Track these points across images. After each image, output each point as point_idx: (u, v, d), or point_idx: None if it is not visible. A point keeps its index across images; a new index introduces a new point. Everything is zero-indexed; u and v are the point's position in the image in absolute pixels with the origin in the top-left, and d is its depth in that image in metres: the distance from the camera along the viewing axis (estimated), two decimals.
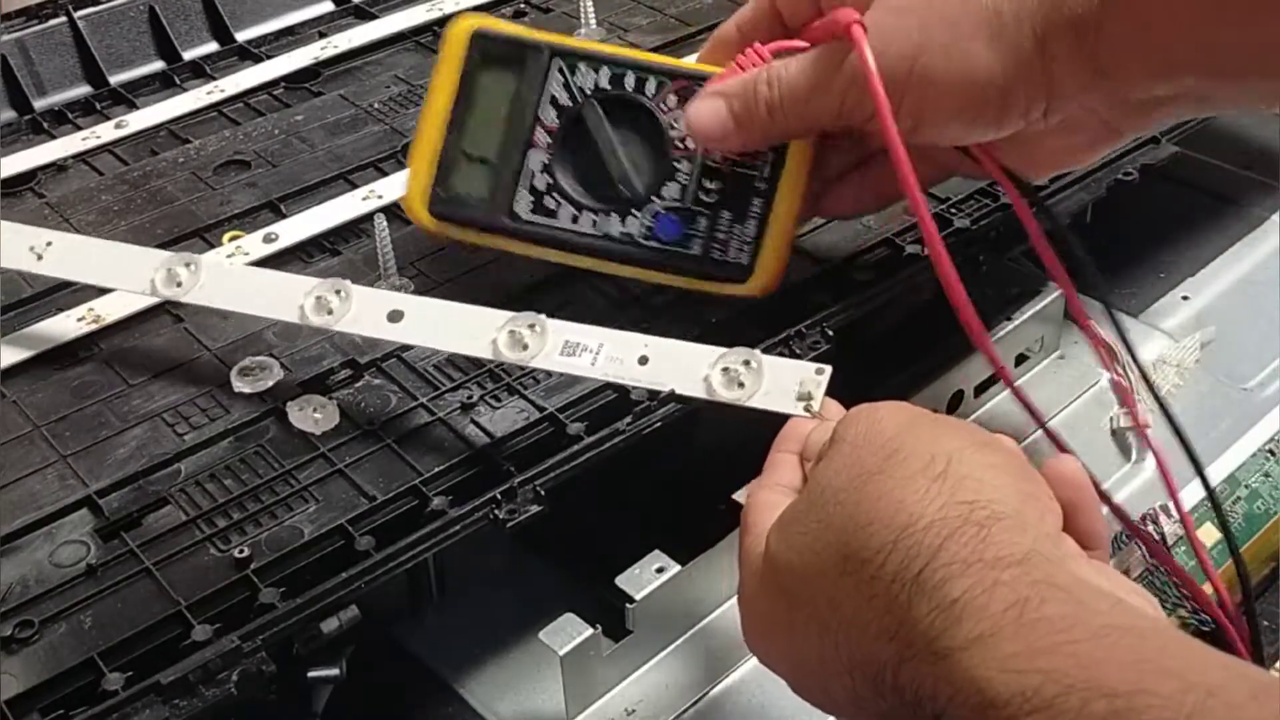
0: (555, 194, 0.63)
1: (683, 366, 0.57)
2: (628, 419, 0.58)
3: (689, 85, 0.62)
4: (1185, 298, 0.79)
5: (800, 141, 0.61)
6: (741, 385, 0.55)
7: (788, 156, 0.61)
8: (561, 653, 0.54)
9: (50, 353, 0.65)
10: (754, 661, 0.60)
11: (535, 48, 0.63)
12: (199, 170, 0.79)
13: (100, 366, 0.64)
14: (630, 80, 0.63)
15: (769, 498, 0.49)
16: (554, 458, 0.56)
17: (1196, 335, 0.76)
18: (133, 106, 0.86)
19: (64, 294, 0.69)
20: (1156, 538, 0.62)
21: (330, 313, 0.60)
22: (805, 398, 0.54)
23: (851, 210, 0.66)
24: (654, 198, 0.62)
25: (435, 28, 0.92)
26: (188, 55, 0.91)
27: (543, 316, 0.58)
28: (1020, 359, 0.73)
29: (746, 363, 0.55)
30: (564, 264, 0.64)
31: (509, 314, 0.58)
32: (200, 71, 0.90)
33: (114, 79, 0.89)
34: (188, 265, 0.62)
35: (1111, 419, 0.72)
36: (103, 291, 0.68)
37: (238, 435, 0.59)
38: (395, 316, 0.60)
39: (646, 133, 0.63)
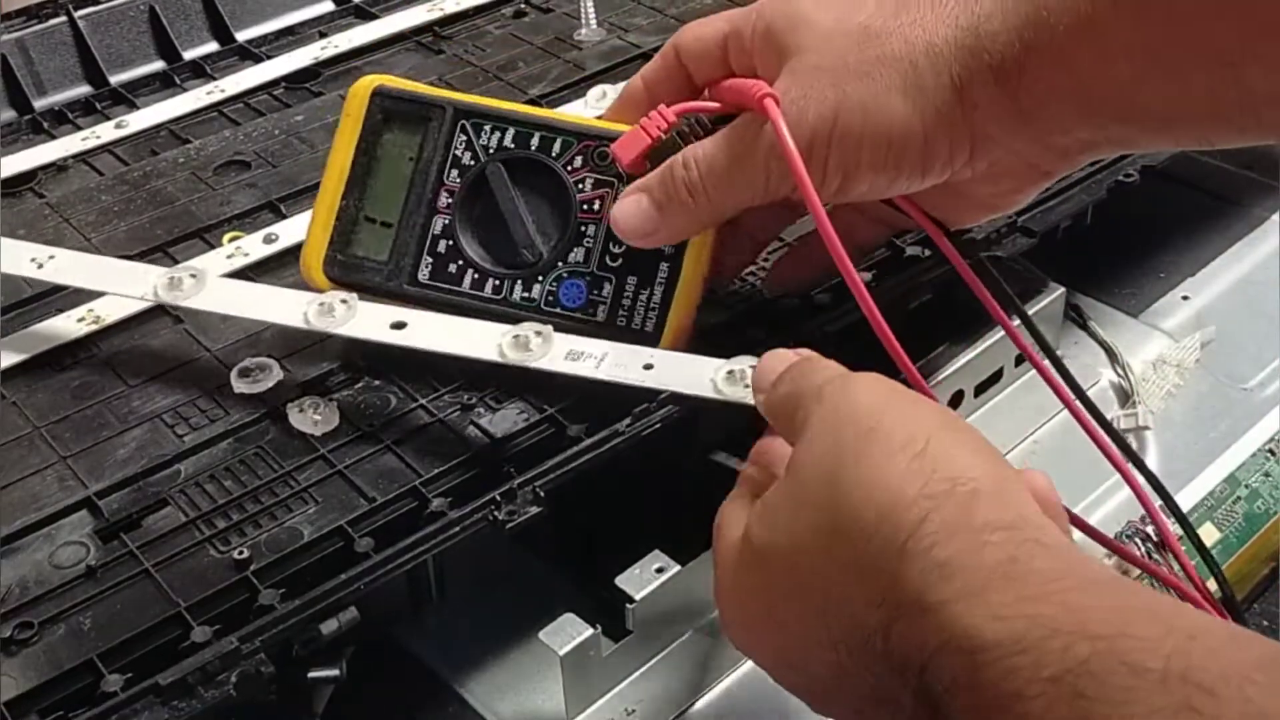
0: (458, 259, 0.62)
1: (688, 371, 0.57)
2: (627, 420, 0.58)
3: (596, 145, 0.61)
4: (1185, 298, 0.79)
5: None
6: (747, 386, 0.55)
7: None
8: (561, 653, 0.54)
9: (50, 353, 0.65)
10: (754, 663, 0.60)
11: (438, 106, 0.62)
12: (199, 170, 0.79)
13: (100, 367, 0.64)
14: (536, 141, 0.61)
15: (738, 501, 0.50)
16: (554, 459, 0.56)
17: (1196, 335, 0.76)
18: (133, 106, 0.86)
19: (64, 295, 0.69)
20: (1140, 551, 0.62)
21: (333, 317, 0.60)
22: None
23: (794, 285, 0.65)
24: (559, 262, 0.61)
25: (436, 28, 0.92)
26: (188, 55, 0.91)
27: (548, 327, 0.58)
28: (1020, 359, 0.72)
29: (754, 367, 0.54)
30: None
31: (510, 326, 0.59)
32: (200, 71, 0.90)
33: (114, 79, 0.89)
34: (193, 275, 0.63)
35: (1112, 420, 0.72)
36: (100, 292, 0.68)
37: (237, 436, 0.59)
38: (399, 326, 0.60)
39: (552, 195, 0.61)
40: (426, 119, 0.62)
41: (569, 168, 0.61)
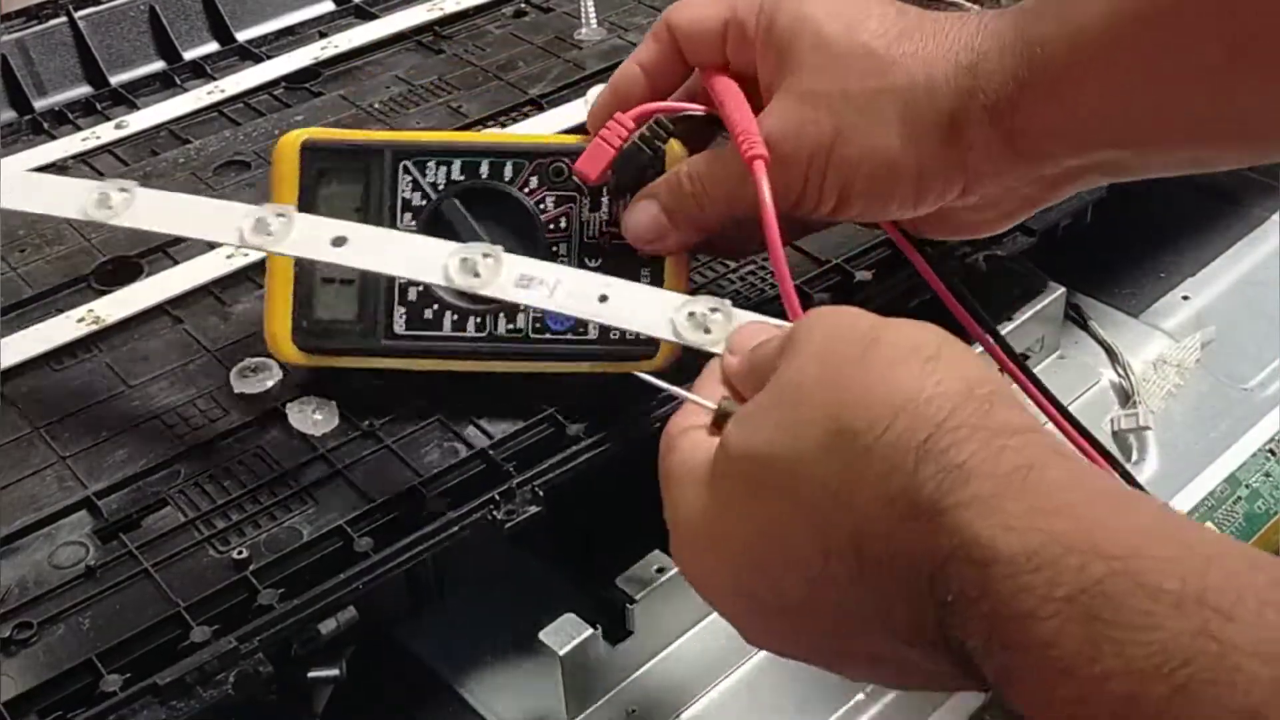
0: (432, 303, 0.59)
1: (645, 307, 0.54)
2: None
3: (549, 162, 0.59)
4: (1185, 298, 0.79)
5: None
6: (708, 331, 0.53)
7: None
8: (562, 653, 0.54)
9: (50, 353, 0.65)
10: (754, 662, 0.60)
11: (375, 151, 0.59)
12: (199, 170, 0.79)
13: (100, 367, 0.64)
14: (485, 168, 0.59)
15: (691, 419, 0.48)
16: (553, 458, 0.56)
17: (1196, 335, 0.76)
18: (133, 107, 0.86)
19: (63, 294, 0.69)
20: None
21: (270, 234, 0.57)
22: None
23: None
24: None
25: (436, 27, 0.92)
26: (188, 55, 0.91)
27: (499, 248, 0.55)
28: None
29: (715, 309, 0.53)
30: (455, 371, 0.60)
31: (459, 246, 0.56)
32: (200, 72, 0.90)
33: (114, 79, 0.89)
34: (123, 190, 0.59)
35: (1112, 420, 0.72)
36: (102, 292, 0.69)
37: (237, 437, 0.59)
38: (339, 242, 0.56)
39: (514, 220, 0.59)
40: (365, 166, 0.59)
41: (526, 190, 0.59)
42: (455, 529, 0.54)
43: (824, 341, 0.43)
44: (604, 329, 0.58)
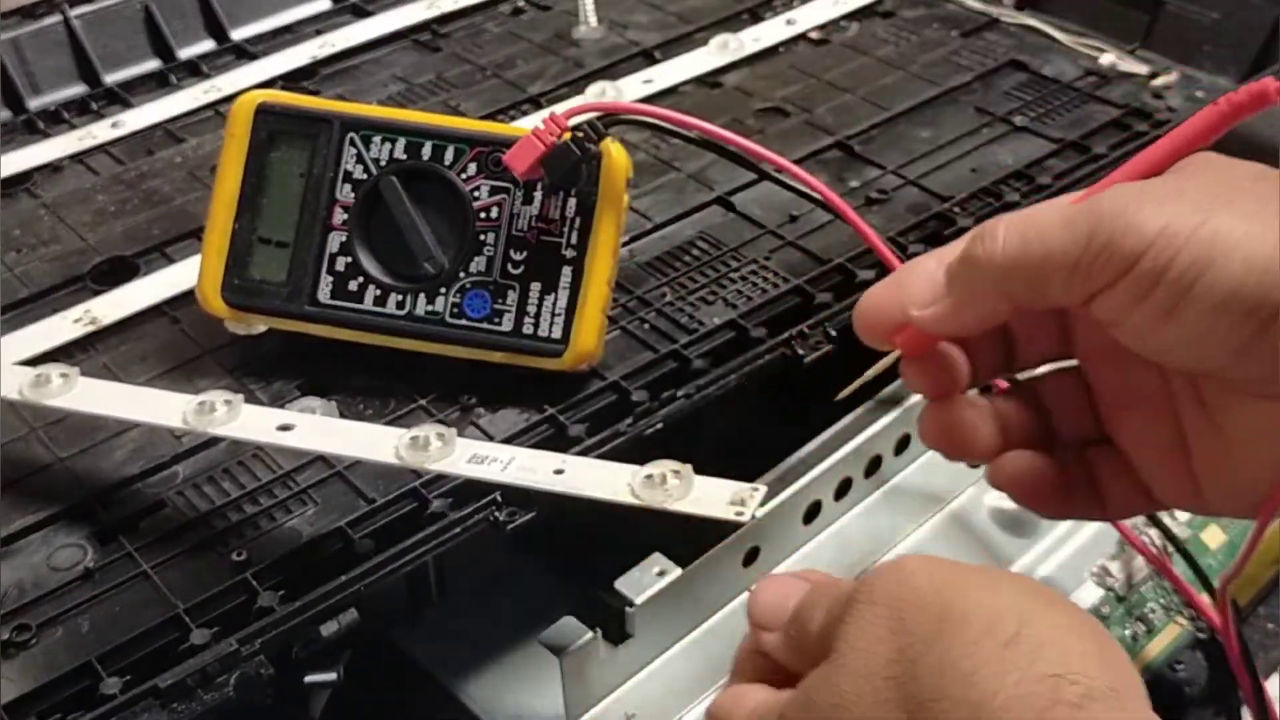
0: (358, 275, 0.60)
1: (602, 475, 0.53)
2: (628, 420, 0.57)
3: (489, 151, 0.59)
4: None
5: (607, 201, 0.59)
6: (667, 492, 0.51)
7: (595, 221, 0.59)
8: (561, 656, 0.54)
9: (47, 353, 0.64)
10: None
11: (325, 120, 0.61)
12: (196, 170, 0.78)
13: (97, 367, 0.63)
14: (428, 150, 0.60)
15: (748, 693, 0.43)
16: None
17: None
18: (128, 106, 0.85)
19: (61, 294, 0.68)
20: (1155, 548, 0.62)
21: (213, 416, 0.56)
22: (738, 503, 0.49)
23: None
24: (460, 273, 0.60)
25: (434, 25, 0.92)
26: (183, 54, 0.90)
27: (451, 430, 0.55)
28: None
29: (676, 472, 0.51)
30: (372, 344, 0.61)
31: (407, 430, 0.55)
32: (196, 70, 0.89)
33: (109, 78, 0.88)
34: (64, 375, 0.59)
35: None
36: (98, 292, 0.68)
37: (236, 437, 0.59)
38: (285, 428, 0.56)
39: (448, 205, 0.60)
40: (314, 134, 0.61)
41: (463, 175, 0.60)
42: (457, 530, 0.53)
43: (890, 610, 0.37)
44: (517, 322, 0.59)
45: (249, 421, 0.56)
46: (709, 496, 0.49)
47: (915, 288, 0.44)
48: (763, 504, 0.49)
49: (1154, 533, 0.61)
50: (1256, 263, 0.37)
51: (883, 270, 0.66)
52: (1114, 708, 0.33)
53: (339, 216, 0.60)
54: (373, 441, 0.55)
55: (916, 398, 0.59)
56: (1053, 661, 0.34)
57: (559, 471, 0.53)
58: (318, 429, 0.56)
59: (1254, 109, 0.41)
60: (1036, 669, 0.34)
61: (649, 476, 0.51)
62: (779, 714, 0.39)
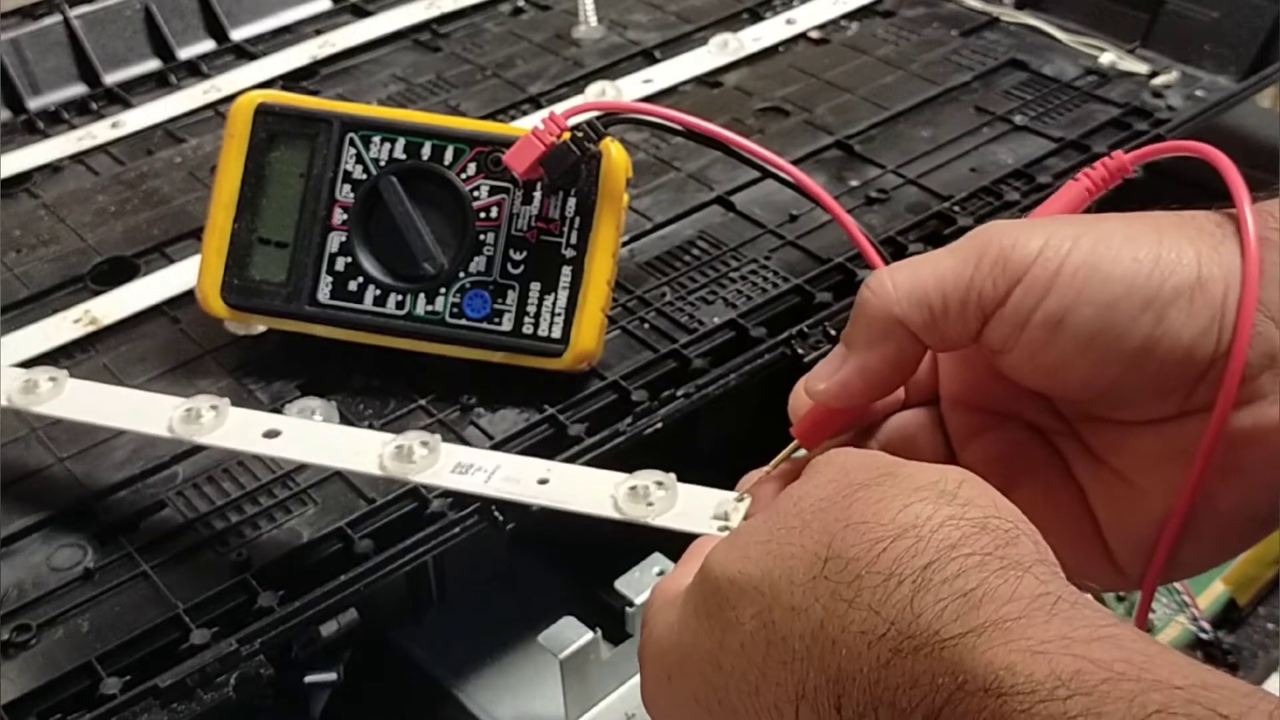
0: (357, 275, 0.60)
1: (586, 486, 0.51)
2: (628, 420, 0.57)
3: (489, 151, 0.59)
4: None
5: (607, 201, 0.59)
6: (650, 504, 0.49)
7: (595, 220, 0.59)
8: (561, 656, 0.54)
9: (47, 353, 0.64)
10: None
11: (324, 120, 0.61)
12: (195, 170, 0.78)
13: (97, 368, 0.63)
14: (427, 150, 0.60)
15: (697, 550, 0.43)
16: (554, 459, 0.56)
17: None
18: (128, 106, 0.86)
19: (61, 295, 0.69)
20: None
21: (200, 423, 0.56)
22: (722, 518, 0.47)
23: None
24: (460, 273, 0.59)
25: (434, 25, 0.92)
26: (183, 54, 0.90)
27: (436, 437, 0.54)
28: None
29: (660, 483, 0.49)
30: (372, 344, 0.61)
31: (393, 437, 0.54)
32: (196, 70, 0.89)
33: (109, 78, 0.88)
34: (53, 379, 0.59)
35: None
36: (98, 292, 0.68)
37: None
38: (271, 434, 0.55)
39: (448, 205, 0.60)
40: (314, 134, 0.61)
41: (463, 175, 0.60)
42: (457, 530, 0.53)
43: (837, 471, 0.38)
44: (517, 321, 0.59)
45: (235, 428, 0.56)
46: (693, 509, 0.48)
47: (814, 372, 0.44)
48: (747, 516, 0.49)
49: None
50: (1141, 261, 0.38)
51: None
52: (1035, 546, 0.34)
53: (339, 216, 0.60)
54: (358, 449, 0.54)
55: None
56: (986, 509, 0.35)
57: (543, 481, 0.51)
58: (303, 435, 0.56)
59: (1112, 182, 0.46)
60: (969, 513, 0.35)
61: (633, 488, 0.49)
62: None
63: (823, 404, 0.44)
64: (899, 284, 0.41)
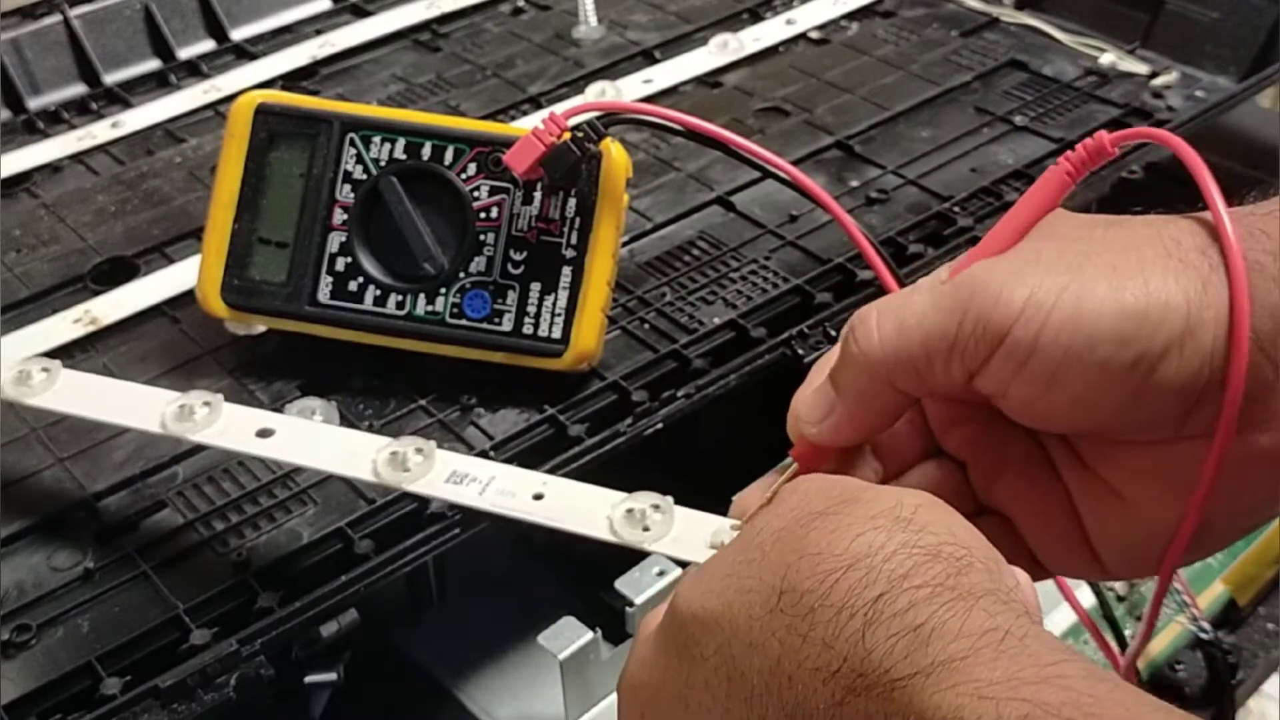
0: (357, 276, 0.60)
1: (581, 504, 0.51)
2: (628, 420, 0.57)
3: (489, 151, 0.59)
4: None
5: (607, 201, 0.59)
6: (647, 529, 0.48)
7: (595, 221, 0.59)
8: (561, 657, 0.54)
9: (47, 353, 0.64)
10: None
11: (325, 120, 0.61)
12: (195, 170, 0.78)
13: (97, 368, 0.63)
14: (427, 150, 0.60)
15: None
16: (553, 459, 0.56)
17: None
18: (128, 106, 0.85)
19: (61, 294, 0.68)
20: None
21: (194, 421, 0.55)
22: (718, 545, 0.46)
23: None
24: (460, 273, 0.59)
25: (434, 25, 0.92)
26: (183, 54, 0.90)
27: (431, 444, 0.53)
28: None
29: (655, 506, 0.49)
30: (372, 344, 0.61)
31: (389, 440, 0.54)
32: (196, 70, 0.89)
33: (109, 78, 0.88)
34: (46, 370, 0.58)
35: None
36: (98, 292, 0.68)
37: None
38: (265, 434, 0.55)
39: (448, 205, 0.60)
40: (314, 134, 0.61)
41: (463, 175, 0.60)
42: (457, 530, 0.53)
43: (799, 499, 0.38)
44: (517, 322, 0.59)
45: (229, 425, 0.55)
46: (689, 535, 0.48)
47: (806, 406, 0.44)
48: None
49: None
50: (1129, 314, 0.38)
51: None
52: (987, 575, 0.34)
53: (339, 217, 0.60)
54: (353, 452, 0.54)
55: None
56: (940, 536, 0.35)
57: (538, 497, 0.51)
58: (298, 436, 0.55)
59: (1094, 164, 0.43)
60: (923, 540, 0.35)
61: (630, 511, 0.49)
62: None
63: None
64: (886, 339, 0.41)
